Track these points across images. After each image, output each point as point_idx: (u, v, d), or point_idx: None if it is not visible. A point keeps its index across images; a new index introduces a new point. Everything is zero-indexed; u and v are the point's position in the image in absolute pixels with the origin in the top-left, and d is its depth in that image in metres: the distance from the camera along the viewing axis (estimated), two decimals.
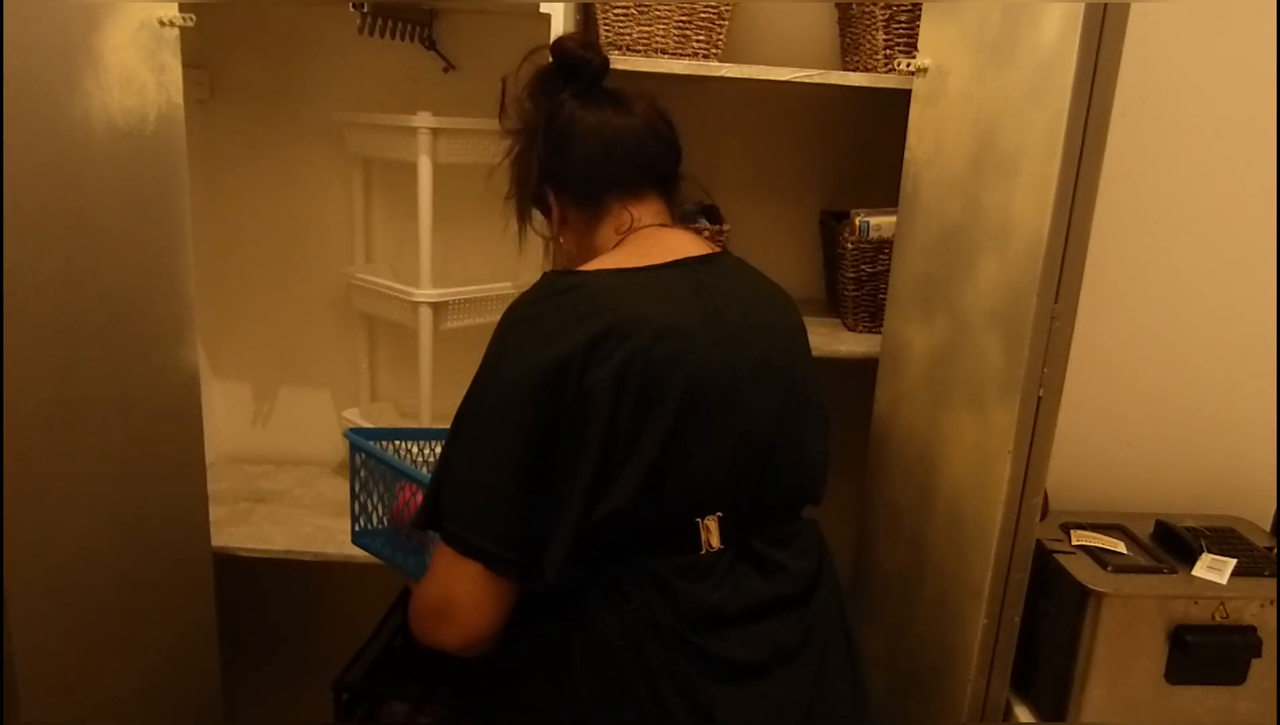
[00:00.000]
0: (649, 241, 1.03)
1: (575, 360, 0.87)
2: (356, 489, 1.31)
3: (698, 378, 0.91)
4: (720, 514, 0.95)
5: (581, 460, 0.88)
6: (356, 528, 1.32)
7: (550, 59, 1.09)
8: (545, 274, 0.97)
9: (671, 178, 1.11)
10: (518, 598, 0.93)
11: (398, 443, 1.40)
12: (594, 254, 1.05)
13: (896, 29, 1.44)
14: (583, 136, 1.05)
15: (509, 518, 0.90)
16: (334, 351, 1.87)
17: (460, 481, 0.93)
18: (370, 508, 1.31)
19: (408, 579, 1.21)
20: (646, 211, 1.06)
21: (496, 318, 1.57)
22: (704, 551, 0.94)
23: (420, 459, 1.43)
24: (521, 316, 0.94)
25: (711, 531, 0.95)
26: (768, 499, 0.99)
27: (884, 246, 1.51)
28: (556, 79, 1.08)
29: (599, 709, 0.92)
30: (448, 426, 0.97)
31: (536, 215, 1.13)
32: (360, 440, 1.29)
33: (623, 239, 1.04)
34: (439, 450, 1.43)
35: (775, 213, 1.79)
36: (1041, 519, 1.15)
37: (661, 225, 1.06)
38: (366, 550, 1.31)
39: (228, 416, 1.91)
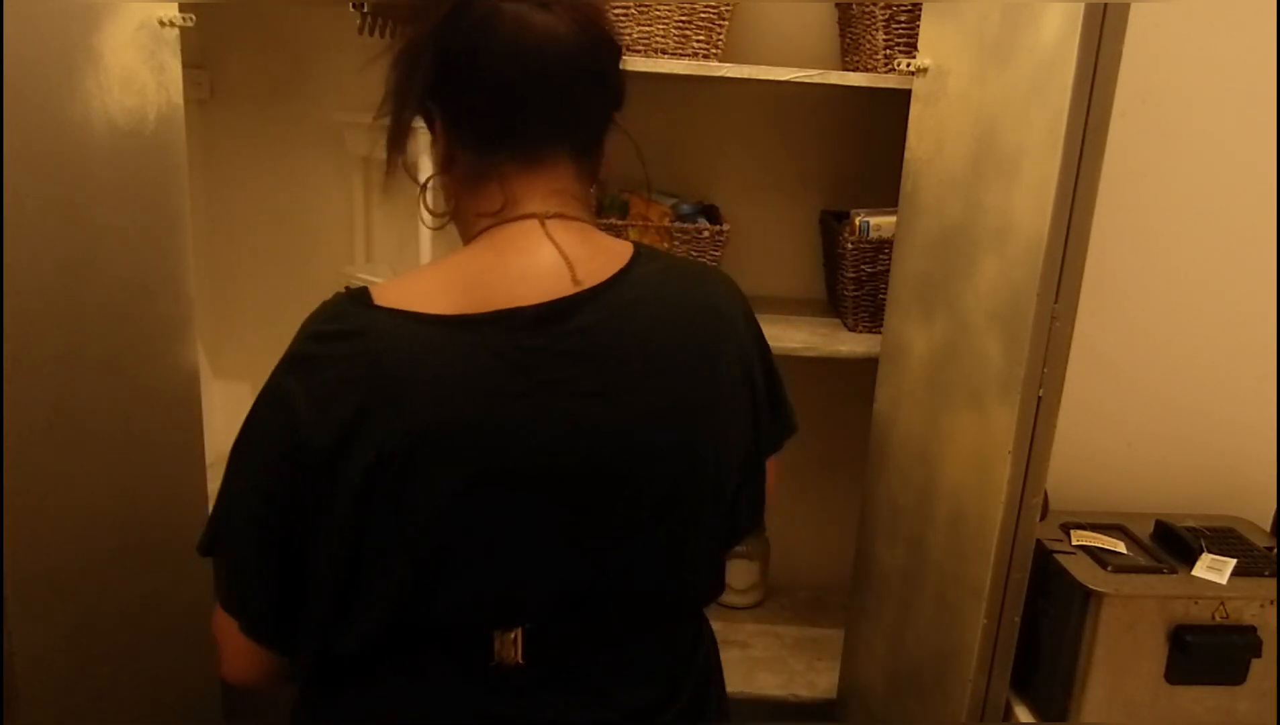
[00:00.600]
0: (498, 260, 0.78)
1: (327, 444, 0.71)
2: None
3: (473, 484, 0.73)
4: (523, 628, 0.77)
5: (329, 557, 0.74)
6: None
7: None
8: (339, 296, 0.78)
9: (594, 135, 0.82)
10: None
11: None
12: (466, 231, 0.83)
13: (896, 29, 1.44)
14: (493, 46, 0.75)
15: (264, 588, 0.76)
16: None
17: (226, 526, 0.78)
18: None
19: None
20: (535, 190, 0.79)
21: None
22: (495, 663, 0.78)
23: None
24: (298, 353, 0.76)
25: (509, 645, 0.77)
26: (597, 613, 0.80)
27: (884, 246, 1.51)
28: None
29: None
30: None
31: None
32: None
33: (483, 230, 0.80)
34: None
35: (775, 213, 1.79)
36: (1041, 519, 1.15)
37: (548, 216, 0.78)
38: None
39: (228, 416, 1.91)
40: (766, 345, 0.88)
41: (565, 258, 0.76)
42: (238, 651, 0.80)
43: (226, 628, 0.79)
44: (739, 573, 1.86)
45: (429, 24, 0.76)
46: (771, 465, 0.91)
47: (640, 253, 0.82)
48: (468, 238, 0.83)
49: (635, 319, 0.78)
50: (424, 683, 0.78)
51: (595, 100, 0.81)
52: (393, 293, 0.75)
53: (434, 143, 0.84)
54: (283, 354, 0.78)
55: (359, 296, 0.76)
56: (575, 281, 0.76)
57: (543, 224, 0.78)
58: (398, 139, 0.82)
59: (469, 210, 0.82)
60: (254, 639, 0.78)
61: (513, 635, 0.77)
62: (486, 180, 0.79)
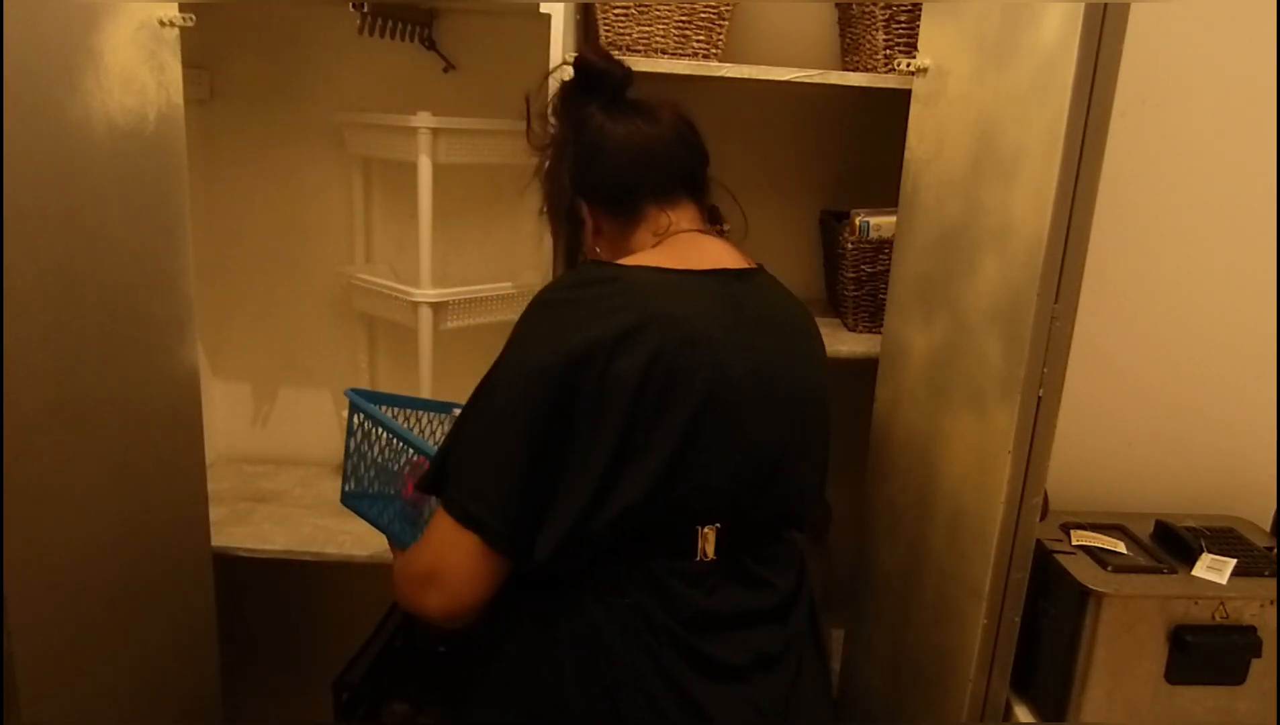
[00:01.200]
0: (686, 246, 1.04)
1: (603, 349, 0.88)
2: (351, 449, 1.31)
3: (717, 387, 0.92)
4: (718, 525, 0.96)
5: (595, 450, 0.89)
6: (347, 487, 1.33)
7: (573, 73, 1.11)
8: (582, 263, 1.01)
9: (701, 183, 1.12)
10: (508, 577, 0.94)
11: (395, 409, 1.41)
12: (630, 255, 1.05)
13: (896, 29, 1.44)
14: (614, 147, 1.06)
15: (512, 495, 0.90)
16: (334, 351, 1.87)
17: (470, 452, 0.93)
18: (363, 470, 1.31)
19: (393, 546, 1.21)
20: (682, 217, 1.07)
21: (496, 318, 1.58)
22: (699, 559, 0.96)
23: (419, 431, 1.44)
24: (554, 300, 0.95)
25: (709, 540, 0.96)
26: (761, 517, 1.00)
27: (884, 246, 1.51)
28: (580, 92, 1.09)
29: (584, 693, 0.93)
30: (447, 400, 0.96)
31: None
32: (361, 401, 1.29)
33: (661, 241, 1.05)
34: (437, 422, 1.47)
35: (775, 213, 1.78)
36: (1041, 519, 1.15)
37: (699, 231, 1.07)
38: (354, 511, 1.31)
39: (228, 416, 1.91)
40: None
41: (732, 247, 1.06)
42: (470, 573, 0.92)
43: (459, 550, 0.91)
44: None
45: (561, 151, 1.09)
46: None
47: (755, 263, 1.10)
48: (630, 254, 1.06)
49: (779, 294, 1.08)
50: (640, 580, 0.94)
51: (694, 160, 1.11)
52: (626, 262, 0.99)
53: (582, 227, 1.09)
54: (528, 311, 0.95)
55: (596, 265, 1.01)
56: (744, 260, 1.05)
57: (702, 232, 1.07)
58: (559, 228, 1.15)
59: (630, 242, 1.07)
60: (503, 551, 0.91)
61: (712, 531, 0.96)
62: (635, 228, 1.07)
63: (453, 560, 0.92)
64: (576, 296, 0.93)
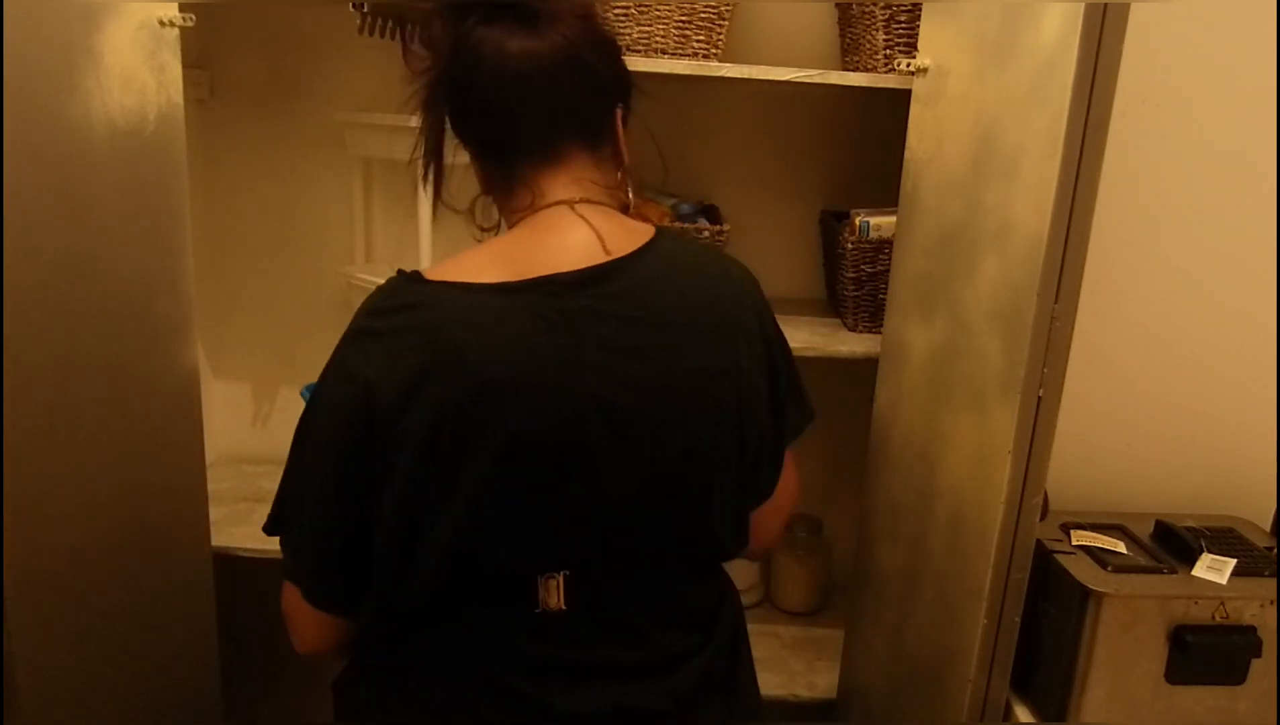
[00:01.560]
0: (539, 237, 0.86)
1: (391, 401, 0.78)
2: None
3: (524, 437, 0.79)
4: (564, 574, 0.84)
5: (393, 508, 0.80)
6: None
7: None
8: (393, 278, 0.85)
9: (598, 127, 0.89)
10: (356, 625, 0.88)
11: None
12: (508, 226, 0.92)
13: (896, 29, 1.44)
14: (482, 77, 0.84)
15: (327, 555, 0.84)
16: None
17: (291, 502, 0.86)
18: None
19: None
20: (558, 181, 0.87)
21: None
22: (541, 609, 0.85)
23: None
24: (359, 329, 0.84)
25: (553, 590, 0.84)
26: (631, 562, 0.87)
27: (884, 246, 1.51)
28: None
29: None
30: None
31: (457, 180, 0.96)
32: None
33: (521, 218, 0.88)
34: None
35: (775, 213, 1.79)
36: (1041, 519, 1.15)
37: (579, 201, 0.87)
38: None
39: (228, 416, 1.91)
40: (783, 335, 0.95)
41: (595, 232, 0.85)
42: (309, 623, 0.88)
43: (296, 601, 0.87)
44: (738, 573, 1.86)
45: (432, 71, 0.88)
46: (790, 458, 0.98)
47: (662, 232, 0.90)
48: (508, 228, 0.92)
49: (662, 286, 0.85)
50: (475, 632, 0.85)
51: (588, 97, 0.88)
52: (442, 270, 0.84)
53: (472, 166, 0.93)
54: (343, 334, 0.85)
55: (412, 276, 0.84)
56: (606, 251, 0.84)
57: (572, 207, 0.86)
58: (434, 175, 0.94)
59: (506, 208, 0.91)
60: (323, 609, 0.86)
61: (555, 581, 0.84)
62: (514, 183, 0.89)
63: (292, 608, 0.89)
64: (374, 327, 0.82)
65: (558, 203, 0.87)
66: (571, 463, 0.81)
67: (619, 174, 0.92)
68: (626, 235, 0.86)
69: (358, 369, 0.80)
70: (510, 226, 0.90)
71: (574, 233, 0.85)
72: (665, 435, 0.84)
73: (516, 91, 0.85)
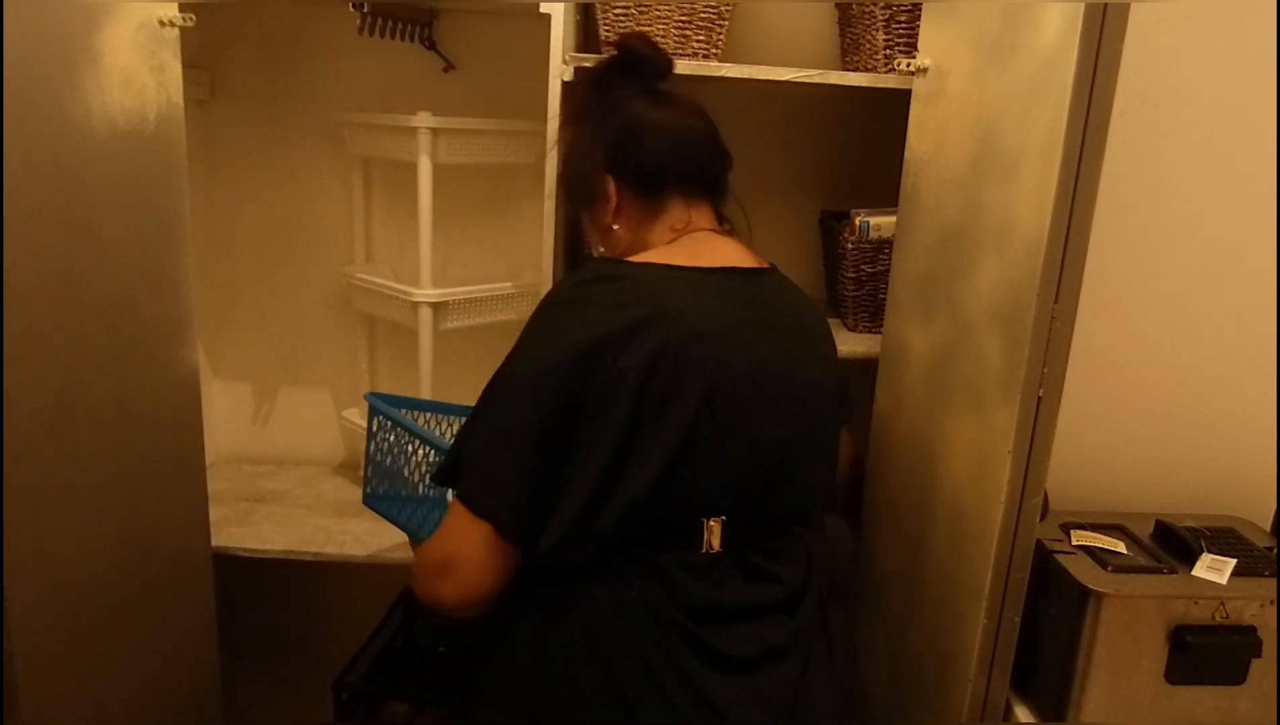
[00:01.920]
0: (701, 245, 1.06)
1: (609, 344, 0.91)
2: (372, 451, 1.36)
3: (721, 383, 0.94)
4: (724, 518, 0.98)
5: (601, 444, 0.91)
6: (368, 490, 1.38)
7: (616, 54, 1.13)
8: (590, 260, 1.02)
9: (723, 187, 1.15)
10: (519, 567, 0.96)
11: (415, 412, 1.47)
12: (645, 247, 1.08)
13: (896, 29, 1.44)
14: (655, 130, 1.08)
15: (522, 487, 0.93)
16: (334, 351, 1.87)
17: (481, 445, 0.96)
18: (385, 473, 1.36)
19: (413, 543, 1.26)
20: (701, 216, 1.10)
21: (496, 318, 1.58)
22: (704, 551, 0.98)
23: (439, 433, 1.50)
24: (564, 298, 0.97)
25: (714, 533, 0.98)
26: (768, 511, 1.02)
27: (884, 246, 1.51)
28: (620, 75, 1.11)
29: (593, 682, 0.94)
30: (464, 403, 0.98)
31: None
32: (381, 404, 1.35)
33: (676, 237, 1.07)
34: (457, 424, 1.51)
35: (775, 213, 1.79)
36: (1041, 519, 1.15)
37: (713, 231, 1.09)
38: (377, 512, 1.36)
39: (228, 416, 1.91)
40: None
41: (745, 247, 1.09)
42: (483, 562, 0.94)
43: (471, 540, 0.94)
44: None
45: (595, 125, 1.10)
46: (845, 435, 1.27)
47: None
48: (644, 249, 1.08)
49: (788, 292, 1.10)
50: (644, 572, 0.95)
51: (720, 162, 1.13)
52: (636, 259, 1.01)
53: (605, 203, 1.09)
54: (542, 307, 0.98)
55: (608, 261, 1.05)
56: (757, 261, 1.08)
57: (717, 231, 1.10)
58: (580, 201, 1.16)
59: (641, 243, 1.08)
60: (510, 538, 0.93)
61: (717, 523, 0.97)
62: (656, 217, 1.08)
63: (466, 550, 0.94)
64: (584, 294, 0.96)
65: (703, 230, 1.08)
66: (744, 413, 0.96)
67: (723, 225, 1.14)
68: (753, 257, 1.09)
69: (568, 328, 0.93)
70: (649, 246, 1.07)
71: (730, 245, 1.08)
72: (804, 402, 1.03)
73: (680, 145, 1.09)
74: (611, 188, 1.09)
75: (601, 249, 1.14)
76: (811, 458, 1.07)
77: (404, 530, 1.33)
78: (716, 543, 0.98)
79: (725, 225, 1.14)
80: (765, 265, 1.10)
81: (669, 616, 0.95)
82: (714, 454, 0.95)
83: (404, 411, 1.41)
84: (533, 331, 0.97)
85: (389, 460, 1.36)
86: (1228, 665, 1.18)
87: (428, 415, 1.51)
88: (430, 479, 1.01)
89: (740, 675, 0.97)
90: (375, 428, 1.36)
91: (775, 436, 1.00)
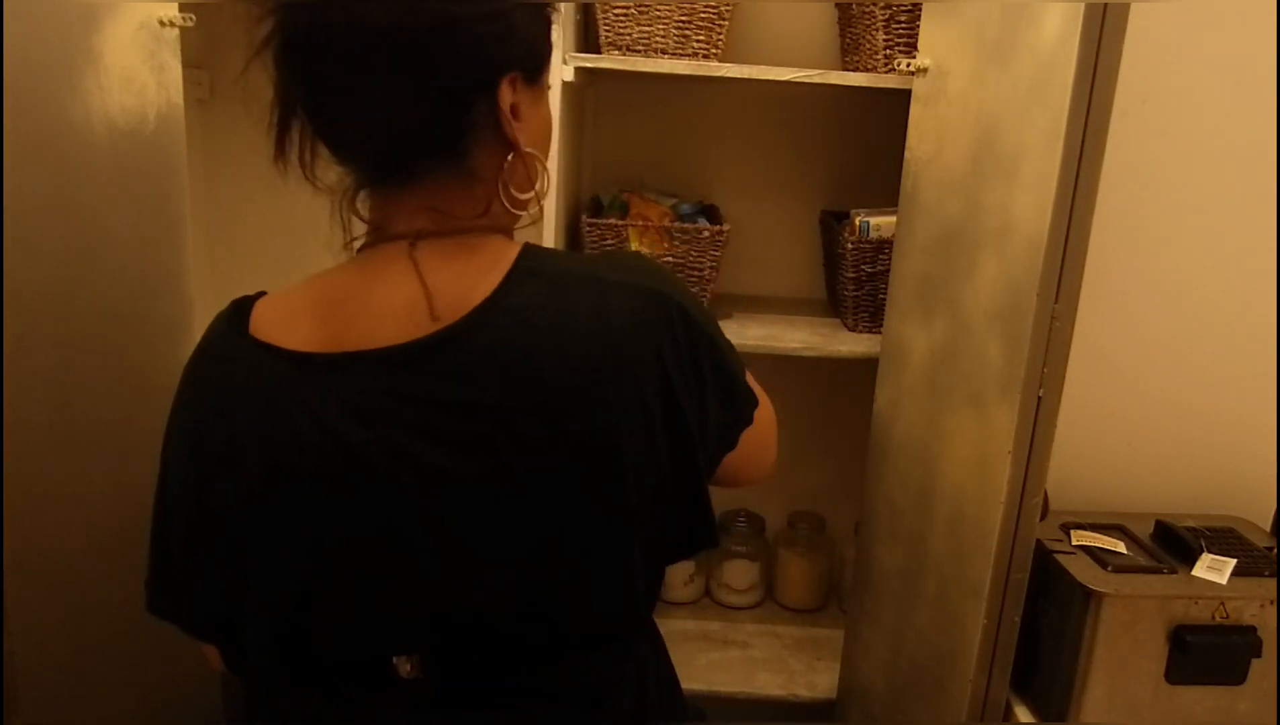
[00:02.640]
0: (362, 287, 0.72)
1: (204, 469, 0.74)
2: None
3: (332, 533, 0.70)
4: (420, 654, 0.74)
5: (207, 579, 0.77)
6: None
7: None
8: (236, 307, 0.77)
9: (466, 122, 0.69)
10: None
11: None
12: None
13: (896, 29, 1.44)
14: (296, 49, 0.67)
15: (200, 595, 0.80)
16: None
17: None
18: None
19: None
20: (403, 208, 0.72)
21: None
22: (399, 676, 0.74)
23: None
24: (189, 378, 0.79)
25: (404, 665, 0.74)
26: (498, 642, 0.74)
27: (884, 246, 1.51)
28: None
29: None
30: None
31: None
32: None
33: (363, 248, 0.75)
34: None
35: (775, 213, 1.79)
36: (1041, 519, 1.15)
37: (415, 239, 0.71)
38: None
39: None
40: (710, 341, 0.77)
41: (426, 290, 0.69)
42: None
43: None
44: (739, 573, 1.86)
45: (265, 28, 0.68)
46: (748, 438, 0.81)
47: (521, 267, 0.72)
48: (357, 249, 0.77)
49: (505, 355, 0.68)
50: (336, 698, 0.76)
51: (449, 88, 0.68)
52: (268, 314, 0.74)
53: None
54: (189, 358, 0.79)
55: (240, 317, 0.75)
56: (434, 318, 0.68)
57: (411, 246, 0.71)
58: (280, 149, 0.73)
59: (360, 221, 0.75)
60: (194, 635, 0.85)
61: (410, 659, 0.73)
62: (361, 197, 0.73)
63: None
64: (194, 377, 0.78)
65: (395, 238, 0.71)
66: (401, 556, 0.70)
67: (501, 183, 0.72)
68: (470, 282, 0.70)
69: (174, 432, 0.80)
70: (358, 247, 0.76)
71: (401, 289, 0.70)
72: (516, 536, 0.71)
73: (344, 79, 0.66)
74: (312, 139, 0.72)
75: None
76: (567, 570, 0.73)
77: None
78: (417, 671, 0.74)
79: (472, 188, 0.72)
80: (480, 295, 0.69)
81: None
82: (349, 602, 0.71)
83: None
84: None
85: None
86: (1228, 665, 1.18)
87: None
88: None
89: None
90: None
91: (464, 568, 0.71)
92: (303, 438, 0.68)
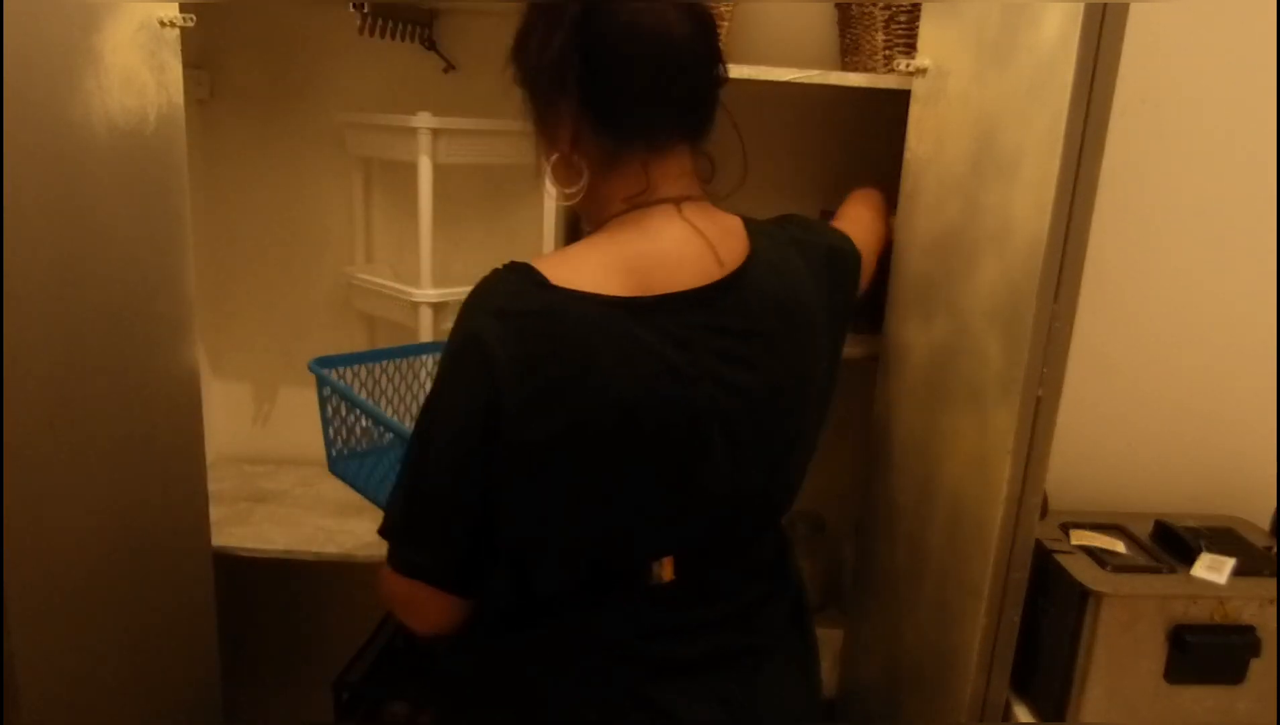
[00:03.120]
0: (650, 245, 0.86)
1: (515, 414, 0.80)
2: (329, 415, 1.38)
3: (650, 447, 0.84)
4: (675, 555, 0.92)
5: (520, 513, 0.86)
6: (332, 454, 1.41)
7: None
8: (511, 275, 0.83)
9: (707, 120, 0.90)
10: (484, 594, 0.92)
11: (369, 364, 1.48)
12: (598, 211, 0.89)
13: (896, 29, 1.44)
14: (627, 32, 0.82)
15: (448, 543, 0.88)
16: (334, 351, 1.86)
17: (406, 506, 0.90)
18: (345, 434, 1.41)
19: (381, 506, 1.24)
20: (668, 174, 0.87)
21: None
22: (653, 582, 0.92)
23: (400, 378, 1.55)
24: (466, 339, 0.82)
25: (664, 567, 0.92)
26: (731, 540, 0.96)
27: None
28: None
29: (555, 698, 0.92)
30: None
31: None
32: (324, 374, 1.36)
33: (625, 211, 0.87)
34: (419, 365, 1.54)
35: (775, 213, 1.78)
36: (1041, 519, 1.15)
37: (679, 200, 0.87)
38: (342, 478, 1.40)
39: (228, 416, 1.91)
40: (852, 282, 1.08)
41: (708, 242, 0.87)
42: (430, 607, 0.91)
43: (409, 593, 0.90)
44: None
45: (564, 25, 0.83)
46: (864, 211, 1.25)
47: (750, 227, 0.95)
48: (599, 218, 0.90)
49: (765, 298, 0.90)
50: (596, 608, 0.90)
51: (708, 87, 0.89)
52: (564, 272, 0.82)
53: (555, 125, 0.87)
54: (457, 328, 0.83)
55: (532, 276, 0.82)
56: (719, 262, 0.87)
57: (679, 209, 0.87)
58: (556, 134, 0.87)
59: (602, 192, 0.88)
60: (448, 590, 0.89)
61: (667, 561, 0.90)
62: (621, 164, 0.86)
63: (409, 599, 0.92)
64: (487, 337, 0.81)
65: (664, 201, 0.87)
66: (690, 465, 0.86)
67: (710, 168, 0.93)
68: (728, 239, 0.90)
69: (474, 386, 0.81)
70: (603, 216, 0.89)
71: (686, 243, 0.87)
72: (769, 438, 0.92)
73: (650, 68, 0.83)
74: (565, 106, 0.85)
75: (554, 187, 0.91)
76: (792, 465, 0.98)
77: (369, 498, 1.34)
78: (670, 573, 0.91)
79: (705, 168, 0.91)
80: (740, 247, 0.90)
81: (621, 643, 0.91)
82: (649, 508, 0.87)
83: (354, 370, 1.43)
84: (441, 380, 0.85)
85: (345, 424, 1.39)
86: (1227, 665, 1.19)
87: (385, 363, 1.52)
88: (379, 531, 0.93)
89: (688, 674, 0.93)
90: (326, 394, 1.37)
91: (735, 480, 0.90)
92: (636, 363, 0.81)
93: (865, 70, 1.47)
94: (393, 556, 0.90)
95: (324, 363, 1.39)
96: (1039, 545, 1.21)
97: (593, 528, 0.87)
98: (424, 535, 0.89)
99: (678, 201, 0.88)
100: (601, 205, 0.89)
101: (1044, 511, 1.27)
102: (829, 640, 1.75)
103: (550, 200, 1.40)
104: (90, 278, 1.10)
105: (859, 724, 1.50)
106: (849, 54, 1.59)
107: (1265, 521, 1.40)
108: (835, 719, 1.61)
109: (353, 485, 1.39)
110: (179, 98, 1.24)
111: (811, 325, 0.96)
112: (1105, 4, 0.94)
